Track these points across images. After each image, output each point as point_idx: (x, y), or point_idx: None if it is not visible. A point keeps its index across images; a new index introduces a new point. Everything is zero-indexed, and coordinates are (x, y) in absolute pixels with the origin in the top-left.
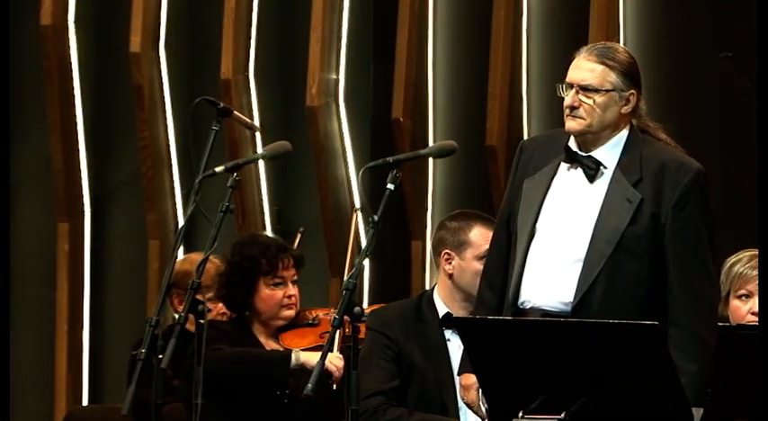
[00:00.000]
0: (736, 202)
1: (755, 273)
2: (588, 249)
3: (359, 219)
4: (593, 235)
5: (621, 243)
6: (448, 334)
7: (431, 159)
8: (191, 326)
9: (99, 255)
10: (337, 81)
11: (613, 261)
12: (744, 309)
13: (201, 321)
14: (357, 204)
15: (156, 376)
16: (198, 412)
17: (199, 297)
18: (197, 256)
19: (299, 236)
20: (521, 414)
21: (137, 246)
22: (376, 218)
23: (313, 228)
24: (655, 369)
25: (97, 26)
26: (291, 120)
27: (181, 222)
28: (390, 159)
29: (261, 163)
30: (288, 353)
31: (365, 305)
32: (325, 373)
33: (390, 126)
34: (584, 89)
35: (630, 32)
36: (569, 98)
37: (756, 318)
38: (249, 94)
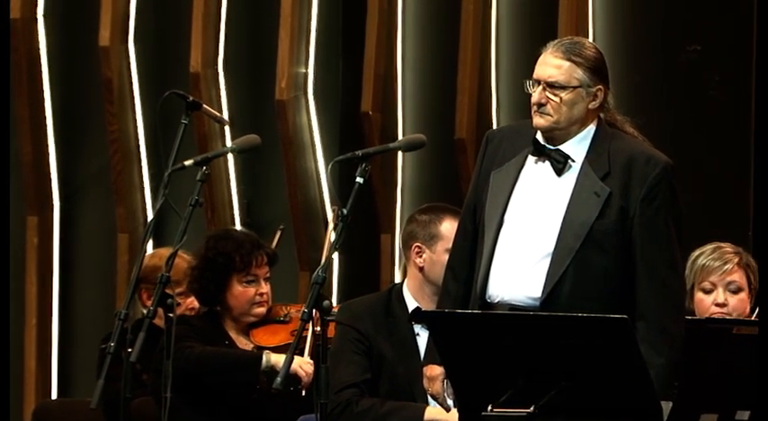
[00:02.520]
0: (706, 196)
1: (718, 264)
2: (556, 243)
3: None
4: (561, 229)
5: (590, 237)
6: (417, 328)
7: (400, 153)
8: (159, 322)
9: (68, 248)
10: (306, 75)
11: (582, 255)
12: (708, 302)
13: (170, 315)
14: (340, 204)
15: (125, 370)
16: (167, 406)
17: (168, 291)
18: (165, 251)
19: (278, 233)
20: (490, 407)
21: (106, 240)
22: (345, 211)
23: (281, 222)
24: (624, 362)
25: (66, 20)
26: (261, 114)
27: (150, 216)
28: (359, 153)
29: (230, 156)
30: (258, 355)
31: (334, 298)
32: (294, 378)
33: (360, 119)
34: (551, 86)
35: (599, 26)
36: (536, 95)
37: (720, 310)
38: (218, 88)
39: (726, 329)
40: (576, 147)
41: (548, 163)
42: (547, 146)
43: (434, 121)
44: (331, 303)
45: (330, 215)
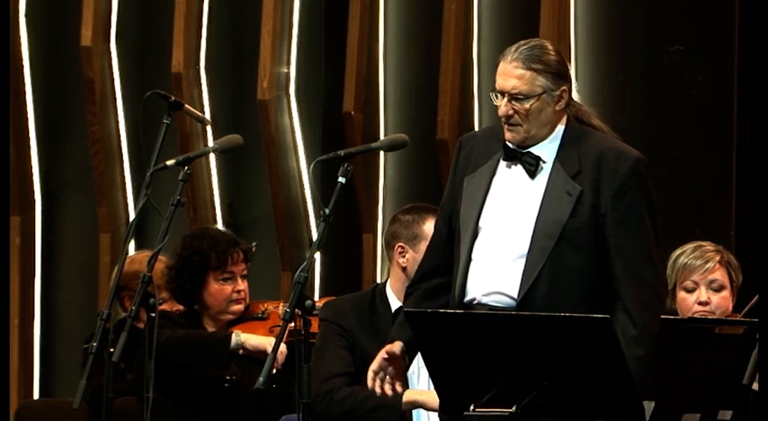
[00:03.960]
0: (688, 196)
1: (699, 263)
2: (530, 244)
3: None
4: (534, 229)
5: (563, 236)
6: None
7: (382, 153)
8: (140, 325)
9: (50, 248)
10: (288, 74)
11: (556, 254)
12: (690, 300)
13: (153, 314)
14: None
15: (107, 369)
16: (149, 405)
17: (151, 290)
18: (143, 256)
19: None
20: (472, 407)
21: (88, 240)
22: (327, 211)
23: (264, 222)
24: (606, 362)
25: (48, 20)
26: (243, 114)
27: (132, 215)
28: (341, 153)
29: (212, 156)
30: (228, 333)
31: (316, 298)
32: (263, 354)
33: (342, 119)
34: (515, 97)
35: (581, 26)
36: (503, 107)
37: (703, 308)
38: (200, 88)
39: (708, 329)
40: (547, 148)
41: (520, 166)
42: (518, 149)
43: (416, 121)
44: (313, 302)
45: (312, 214)
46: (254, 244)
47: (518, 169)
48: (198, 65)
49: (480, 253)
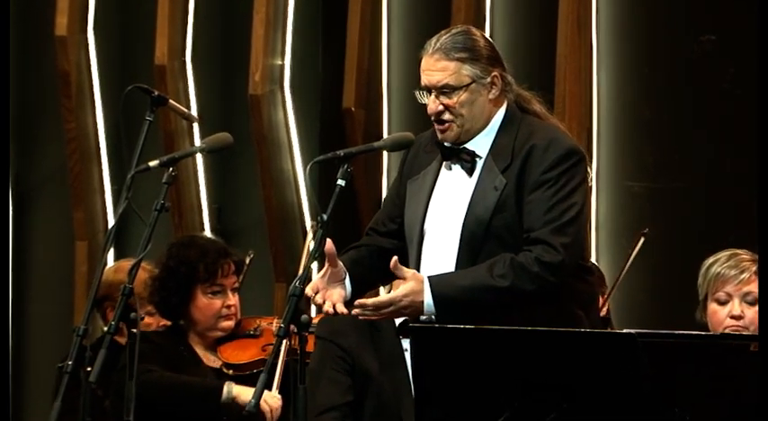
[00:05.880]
0: (718, 197)
1: (734, 273)
2: (459, 245)
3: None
4: (461, 230)
5: (489, 233)
6: (405, 343)
7: (385, 153)
8: (121, 340)
9: (22, 256)
10: (283, 67)
11: (486, 252)
12: (722, 314)
13: (134, 330)
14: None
15: (84, 390)
16: None
17: (132, 303)
18: (128, 264)
19: (248, 259)
20: None
21: (63, 247)
22: (325, 217)
23: (256, 228)
24: (630, 380)
25: (21, 7)
26: (233, 110)
27: (111, 221)
28: (341, 153)
29: (199, 156)
30: (219, 385)
31: (313, 312)
32: (257, 415)
33: (341, 116)
34: (443, 91)
35: (603, 14)
36: (431, 104)
37: (736, 323)
38: (186, 82)
39: (742, 346)
40: (482, 142)
41: (459, 164)
42: (454, 147)
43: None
44: (310, 317)
45: (309, 224)
46: (250, 253)
47: (458, 168)
48: (184, 56)
49: (427, 259)
